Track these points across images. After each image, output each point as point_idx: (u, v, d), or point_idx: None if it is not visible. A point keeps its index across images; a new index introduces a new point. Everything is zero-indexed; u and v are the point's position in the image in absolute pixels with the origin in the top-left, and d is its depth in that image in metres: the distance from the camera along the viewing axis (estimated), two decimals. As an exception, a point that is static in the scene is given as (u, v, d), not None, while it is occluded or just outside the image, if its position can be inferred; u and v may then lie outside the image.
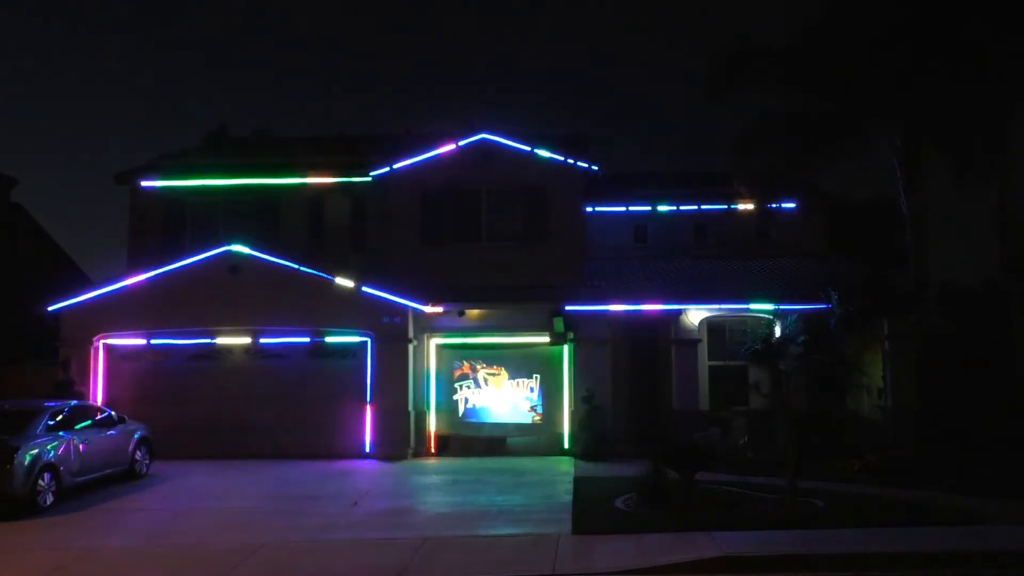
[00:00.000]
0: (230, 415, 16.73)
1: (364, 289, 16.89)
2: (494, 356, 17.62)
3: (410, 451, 16.76)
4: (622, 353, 17.50)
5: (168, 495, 12.99)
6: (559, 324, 17.07)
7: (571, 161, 18.46)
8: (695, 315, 17.27)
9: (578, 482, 13.33)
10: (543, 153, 18.56)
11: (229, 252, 17.02)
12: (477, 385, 17.56)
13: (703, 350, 17.40)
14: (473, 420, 17.50)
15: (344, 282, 16.91)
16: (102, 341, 17.18)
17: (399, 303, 16.87)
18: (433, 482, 14.38)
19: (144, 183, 19.59)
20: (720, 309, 16.88)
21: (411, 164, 18.79)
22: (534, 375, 17.51)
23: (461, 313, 17.42)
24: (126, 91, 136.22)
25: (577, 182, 18.62)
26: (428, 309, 17.21)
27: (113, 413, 14.21)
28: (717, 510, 10.76)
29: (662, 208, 20.62)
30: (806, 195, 20.00)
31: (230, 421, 16.69)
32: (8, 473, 11.10)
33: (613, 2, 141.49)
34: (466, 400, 17.56)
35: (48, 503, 11.67)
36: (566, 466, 15.49)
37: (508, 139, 18.72)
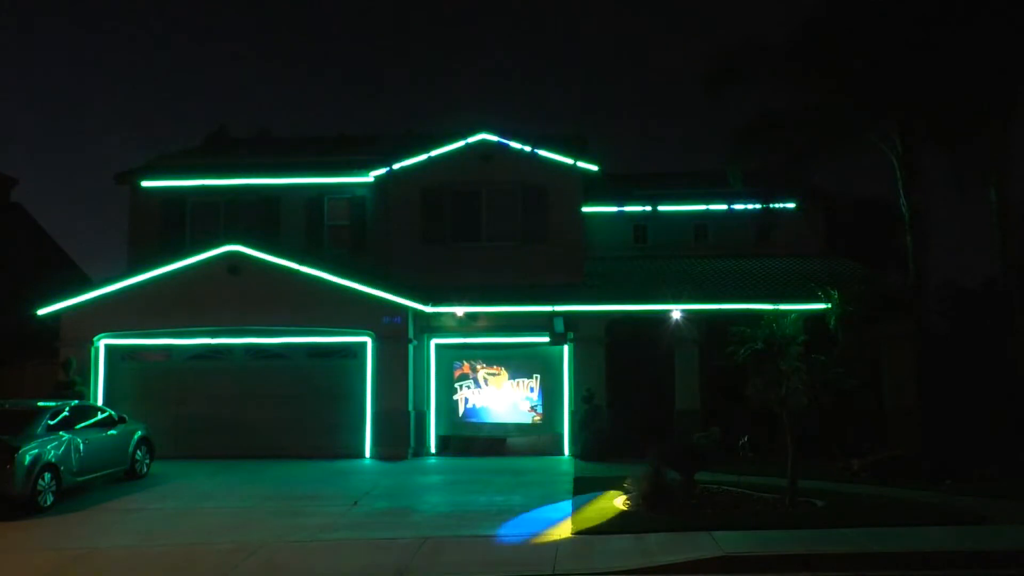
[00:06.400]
0: (230, 415, 16.75)
1: (364, 289, 16.88)
2: (494, 356, 17.62)
3: (410, 451, 16.76)
4: (622, 353, 17.50)
5: (168, 495, 12.98)
6: (559, 324, 17.07)
7: (571, 161, 18.49)
8: (695, 315, 17.25)
9: (578, 482, 13.33)
10: (543, 153, 18.58)
11: (229, 252, 17.01)
12: (477, 385, 17.57)
13: (703, 350, 17.37)
14: (473, 420, 17.50)
15: (344, 282, 16.90)
16: (102, 341, 17.19)
17: (399, 303, 16.87)
18: (433, 482, 14.38)
19: (144, 183, 19.60)
20: (720, 309, 16.86)
21: (411, 164, 18.81)
22: (534, 375, 17.52)
23: (461, 313, 17.42)
24: (126, 91, 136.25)
25: (577, 182, 18.64)
26: (428, 309, 17.21)
27: (113, 413, 14.22)
28: (717, 510, 10.76)
29: (662, 208, 20.59)
30: (806, 195, 19.98)
31: (230, 421, 16.70)
32: (8, 473, 11.10)
33: (614, 1, 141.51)
34: (466, 400, 17.57)
35: (48, 503, 11.66)
36: (566, 466, 15.49)
37: (508, 139, 18.73)
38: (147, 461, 14.63)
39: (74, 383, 16.03)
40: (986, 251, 16.71)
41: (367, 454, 16.66)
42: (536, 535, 9.88)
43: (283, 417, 16.81)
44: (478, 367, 17.62)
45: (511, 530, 10.21)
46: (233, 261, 17.01)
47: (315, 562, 9.05)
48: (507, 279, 17.95)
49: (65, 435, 12.39)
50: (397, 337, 16.90)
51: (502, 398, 17.50)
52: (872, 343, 16.74)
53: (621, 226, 20.74)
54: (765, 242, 20.35)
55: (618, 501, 11.48)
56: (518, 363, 17.58)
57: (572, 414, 17.12)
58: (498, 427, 17.46)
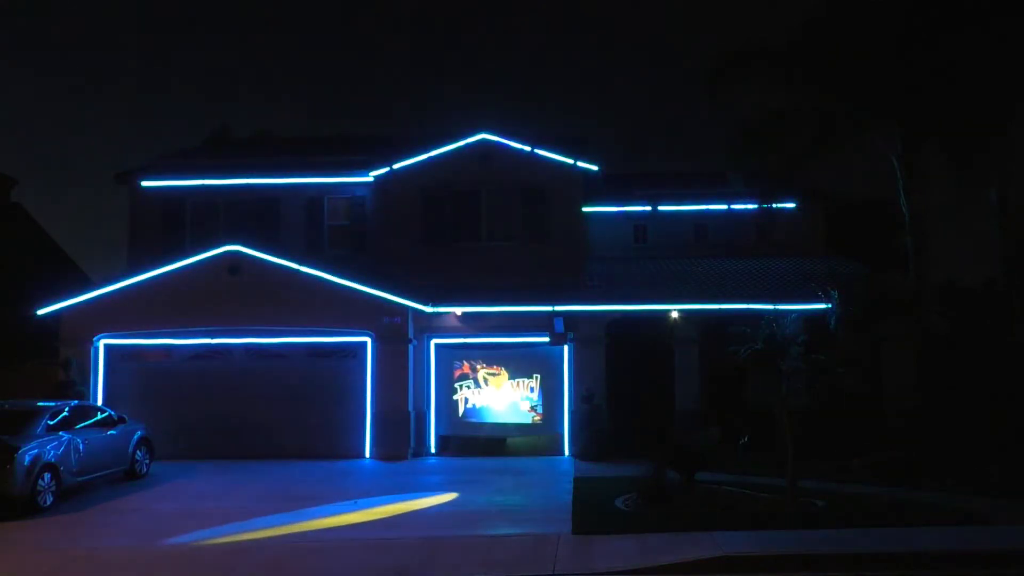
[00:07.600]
0: (230, 415, 16.73)
1: (364, 289, 16.88)
2: (494, 356, 17.62)
3: (410, 451, 16.76)
4: (622, 353, 17.49)
5: (168, 495, 12.99)
6: (559, 324, 17.06)
7: (571, 161, 18.50)
8: (695, 315, 17.24)
9: (578, 482, 13.33)
10: (543, 153, 18.58)
11: (229, 252, 17.00)
12: (477, 385, 17.57)
13: (703, 350, 17.37)
14: (473, 420, 17.50)
15: (344, 282, 16.90)
16: (102, 341, 17.19)
17: (399, 303, 16.87)
18: (433, 482, 14.38)
19: (144, 183, 19.60)
20: (720, 309, 16.87)
21: (411, 164, 18.83)
22: (534, 375, 17.52)
23: (461, 313, 17.41)
24: (127, 91, 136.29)
25: (577, 182, 18.64)
26: (428, 309, 17.21)
27: (113, 413, 14.23)
28: (717, 510, 10.76)
29: (662, 208, 20.58)
30: (806, 195, 19.99)
31: (230, 421, 16.69)
32: (8, 473, 11.10)
33: (615, 1, 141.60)
34: (466, 400, 17.56)
35: (48, 503, 11.67)
36: (566, 466, 15.49)
37: (508, 139, 18.75)
38: (147, 461, 14.64)
39: (74, 383, 16.04)
40: (986, 251, 16.68)
41: (367, 454, 16.66)
42: (536, 535, 9.87)
43: (283, 417, 16.79)
44: (478, 367, 17.62)
45: (511, 530, 10.21)
46: (233, 261, 17.01)
47: (315, 562, 9.05)
48: (507, 279, 17.95)
49: (65, 435, 12.40)
50: (397, 337, 16.90)
51: (502, 398, 17.49)
52: (872, 343, 16.73)
53: (621, 226, 20.75)
54: (765, 242, 20.34)
55: (618, 501, 11.48)
56: (518, 363, 17.57)
57: (572, 414, 17.12)
58: (498, 427, 17.46)
